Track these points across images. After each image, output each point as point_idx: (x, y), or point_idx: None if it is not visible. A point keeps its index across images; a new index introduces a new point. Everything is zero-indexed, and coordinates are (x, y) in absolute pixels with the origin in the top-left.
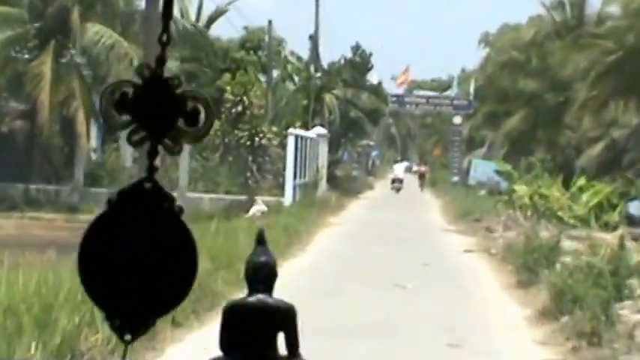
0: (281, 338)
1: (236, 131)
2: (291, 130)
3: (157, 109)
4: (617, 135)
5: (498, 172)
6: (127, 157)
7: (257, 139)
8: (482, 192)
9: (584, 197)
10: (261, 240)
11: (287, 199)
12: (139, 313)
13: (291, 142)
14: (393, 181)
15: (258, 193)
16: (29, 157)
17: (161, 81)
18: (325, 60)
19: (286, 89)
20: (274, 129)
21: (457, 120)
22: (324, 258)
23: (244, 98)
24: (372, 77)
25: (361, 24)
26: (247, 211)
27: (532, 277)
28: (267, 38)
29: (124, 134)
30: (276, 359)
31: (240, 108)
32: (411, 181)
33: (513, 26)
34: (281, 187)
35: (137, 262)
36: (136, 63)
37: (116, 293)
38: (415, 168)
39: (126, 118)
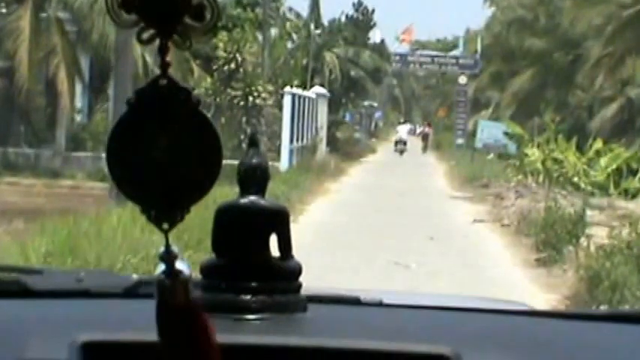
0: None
1: (229, 90)
2: (287, 89)
3: (164, 5)
4: (633, 94)
5: (507, 135)
6: (116, 118)
7: (251, 98)
8: (490, 156)
9: (602, 162)
10: (253, 142)
11: (283, 163)
12: (172, 202)
13: (287, 102)
14: (396, 143)
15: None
16: (7, 118)
17: None
18: (326, 18)
19: (285, 47)
20: (270, 88)
21: (462, 80)
22: (316, 233)
23: (237, 55)
24: (375, 35)
25: None
26: None
27: (554, 254)
28: None
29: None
30: (269, 260)
31: (232, 66)
32: (415, 144)
33: None
34: (277, 151)
35: (163, 155)
36: None
37: (147, 187)
38: (419, 130)
39: (133, 16)
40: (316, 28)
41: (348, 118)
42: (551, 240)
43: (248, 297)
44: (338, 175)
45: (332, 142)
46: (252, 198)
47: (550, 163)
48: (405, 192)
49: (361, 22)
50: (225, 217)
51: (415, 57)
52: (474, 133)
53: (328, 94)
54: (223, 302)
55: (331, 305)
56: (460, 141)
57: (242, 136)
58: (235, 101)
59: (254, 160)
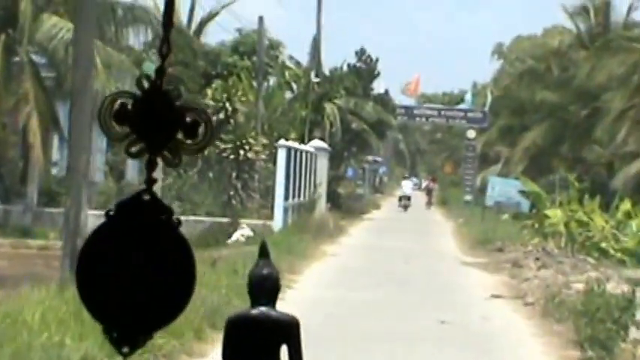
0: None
1: (218, 142)
2: (282, 141)
3: (156, 120)
4: None
5: (522, 192)
6: (96, 171)
7: (242, 151)
8: (505, 216)
9: (634, 225)
10: (264, 253)
11: (276, 222)
12: (137, 326)
13: (281, 156)
14: (401, 198)
15: (243, 215)
16: None
17: (161, 92)
18: (327, 66)
19: (283, 98)
20: (264, 141)
21: (471, 134)
22: (307, 310)
23: (227, 105)
24: (379, 86)
25: (366, 34)
26: (230, 236)
27: (603, 355)
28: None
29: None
30: None
31: (222, 115)
32: (420, 199)
33: (528, 37)
34: (271, 208)
35: (135, 275)
36: (98, 60)
37: (114, 306)
38: (424, 184)
39: (125, 129)
40: (316, 76)
41: (350, 173)
42: (597, 334)
43: None
44: (337, 234)
45: (333, 198)
46: (263, 309)
47: (574, 226)
48: (410, 255)
49: (364, 71)
50: (236, 327)
51: (421, 110)
52: (482, 189)
53: (328, 148)
54: None
55: None
56: (468, 197)
57: (232, 192)
58: (225, 154)
59: (264, 271)
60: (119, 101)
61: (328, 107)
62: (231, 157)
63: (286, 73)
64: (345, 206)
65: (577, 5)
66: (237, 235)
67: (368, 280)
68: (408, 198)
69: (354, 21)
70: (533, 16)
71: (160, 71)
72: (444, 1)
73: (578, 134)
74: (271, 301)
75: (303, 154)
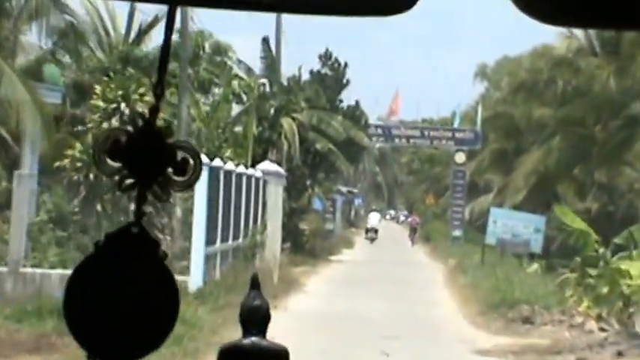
0: None
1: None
2: (204, 159)
3: (148, 157)
4: None
5: (536, 230)
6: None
7: None
8: (534, 266)
9: None
10: (255, 284)
11: (194, 278)
12: (121, 354)
13: (202, 183)
14: (367, 231)
15: None
16: None
17: (154, 130)
18: (285, 77)
19: (228, 111)
20: None
21: (460, 158)
22: None
23: (123, 107)
24: (349, 97)
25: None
26: None
27: None
28: (207, 47)
29: None
30: None
31: (115, 121)
32: (400, 235)
33: (514, 59)
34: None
35: (120, 303)
36: None
37: (98, 333)
38: (402, 218)
39: (117, 165)
40: (271, 86)
41: (318, 205)
42: None
43: None
44: (286, 291)
45: (293, 236)
46: (254, 339)
47: None
48: (392, 333)
49: (330, 79)
50: (228, 358)
51: (401, 130)
52: (471, 223)
53: (283, 173)
54: None
55: None
56: (457, 233)
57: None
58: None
59: (255, 302)
60: (113, 138)
61: (286, 123)
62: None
63: (235, 83)
64: (309, 246)
65: None
66: None
67: None
68: (375, 231)
69: (316, 28)
70: (518, 38)
71: (154, 110)
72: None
73: (603, 154)
74: (262, 331)
75: (244, 180)
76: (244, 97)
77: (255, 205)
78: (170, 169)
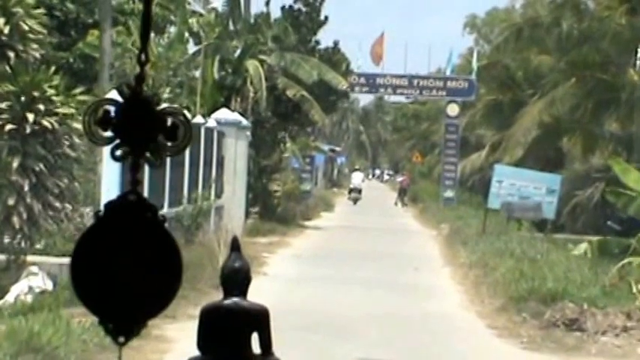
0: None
1: None
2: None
3: (138, 125)
4: None
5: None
6: None
7: (32, 116)
8: (583, 245)
9: None
10: (235, 246)
11: None
12: (130, 317)
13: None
14: (351, 191)
15: (35, 244)
16: None
17: (141, 99)
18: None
19: (183, 51)
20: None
21: (453, 110)
22: None
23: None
24: (326, 38)
25: None
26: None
27: None
28: None
29: None
30: (250, 358)
31: None
32: (381, 193)
33: (506, 8)
34: None
35: (126, 269)
36: None
37: (108, 299)
38: (386, 177)
39: (108, 134)
40: (235, 23)
41: (294, 163)
42: None
43: None
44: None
45: (261, 198)
46: (235, 299)
47: None
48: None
49: (305, 16)
50: (210, 317)
51: (387, 78)
52: (463, 182)
53: (247, 124)
54: None
55: None
56: (449, 194)
57: (10, 199)
58: None
59: (236, 264)
60: (103, 108)
61: (252, 67)
62: (8, 127)
63: (193, 21)
64: (281, 210)
65: None
66: (19, 289)
67: None
68: (359, 191)
69: None
70: None
71: (140, 79)
72: None
73: (623, 102)
74: (243, 292)
75: (194, 132)
76: (203, 37)
77: (205, 164)
78: (161, 135)
